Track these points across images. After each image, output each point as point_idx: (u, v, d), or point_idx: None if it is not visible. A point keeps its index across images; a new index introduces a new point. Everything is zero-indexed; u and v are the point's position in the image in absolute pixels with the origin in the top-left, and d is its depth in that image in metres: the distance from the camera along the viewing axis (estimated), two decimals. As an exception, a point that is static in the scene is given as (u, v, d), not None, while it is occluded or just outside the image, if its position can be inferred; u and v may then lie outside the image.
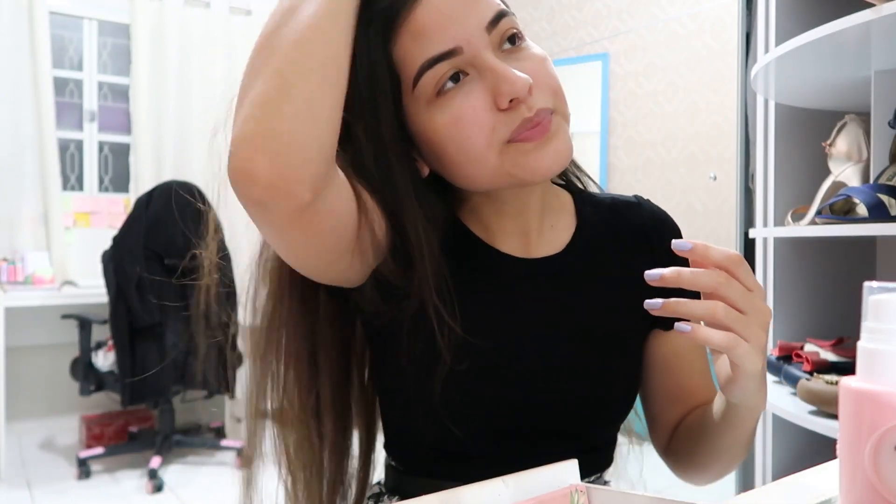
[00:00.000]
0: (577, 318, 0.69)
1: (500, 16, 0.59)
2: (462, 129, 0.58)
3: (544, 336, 0.68)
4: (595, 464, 0.72)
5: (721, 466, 0.69)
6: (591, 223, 0.73)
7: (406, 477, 0.71)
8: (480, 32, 0.58)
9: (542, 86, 0.59)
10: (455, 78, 0.58)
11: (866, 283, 0.35)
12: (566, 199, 0.75)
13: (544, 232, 0.71)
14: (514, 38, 0.60)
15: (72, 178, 3.44)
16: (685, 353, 0.74)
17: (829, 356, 1.32)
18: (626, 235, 0.74)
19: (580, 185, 0.79)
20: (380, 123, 0.59)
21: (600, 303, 0.71)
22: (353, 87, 0.57)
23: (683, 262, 0.72)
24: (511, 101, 0.57)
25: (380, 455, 0.77)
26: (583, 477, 0.49)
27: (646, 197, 0.78)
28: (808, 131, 1.53)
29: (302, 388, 0.69)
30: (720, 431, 0.64)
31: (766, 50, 1.46)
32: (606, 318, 0.70)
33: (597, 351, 0.69)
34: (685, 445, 0.72)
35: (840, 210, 1.25)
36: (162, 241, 2.66)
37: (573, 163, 0.77)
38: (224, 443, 2.96)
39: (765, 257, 1.53)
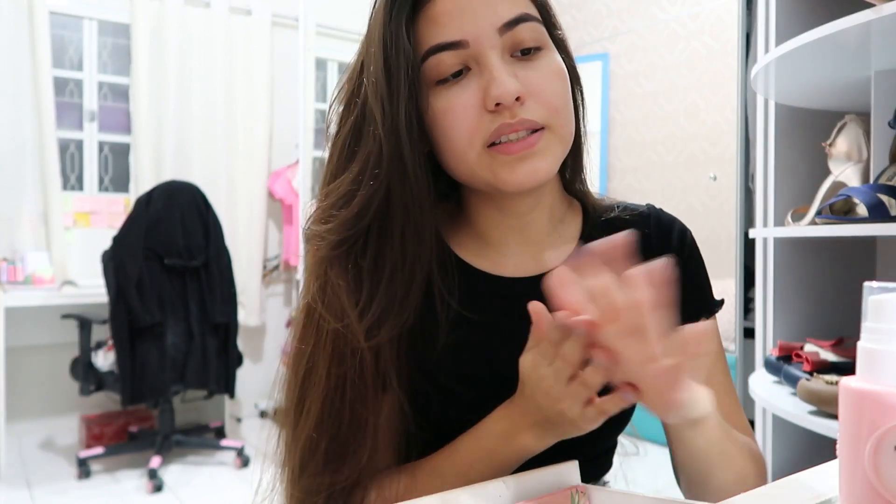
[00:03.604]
0: None
1: (520, 20, 0.59)
2: (449, 120, 0.60)
3: None
4: (595, 471, 0.72)
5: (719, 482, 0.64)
6: (594, 235, 0.72)
7: None
8: (492, 32, 0.59)
9: (538, 100, 0.59)
10: (459, 73, 0.60)
11: (866, 284, 0.35)
12: (577, 210, 0.74)
13: (555, 243, 0.71)
14: (530, 49, 0.60)
15: (72, 178, 3.44)
16: None
17: (829, 356, 1.32)
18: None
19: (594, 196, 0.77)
20: (396, 95, 0.59)
21: None
22: (374, 61, 0.59)
23: (681, 269, 0.72)
24: (497, 104, 0.58)
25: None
26: (583, 482, 0.49)
27: (653, 202, 0.77)
28: (808, 131, 1.53)
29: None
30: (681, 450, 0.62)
31: (766, 50, 1.46)
32: None
33: None
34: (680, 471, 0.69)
35: (840, 210, 1.25)
36: (162, 241, 2.66)
37: (581, 180, 0.75)
38: (224, 443, 2.96)
39: (765, 257, 1.53)
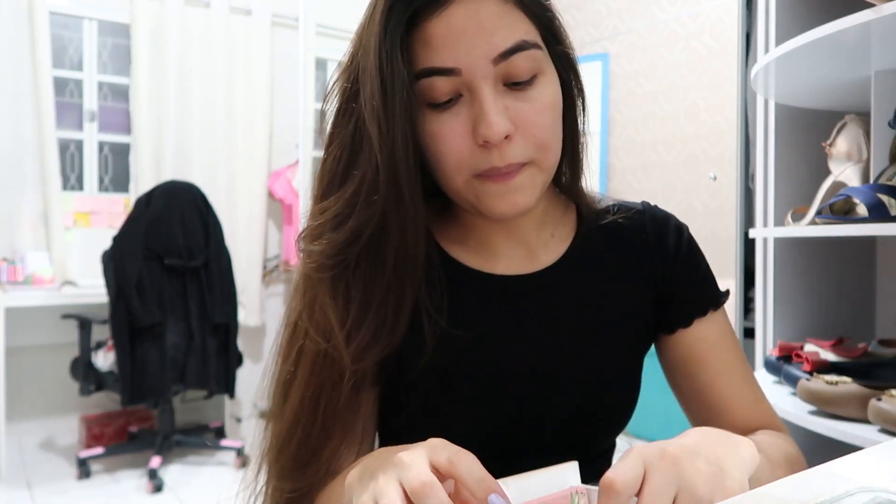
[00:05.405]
0: (570, 329, 0.69)
1: (515, 50, 0.58)
2: (439, 146, 0.60)
3: (537, 351, 0.68)
4: (595, 472, 0.72)
5: None
6: (590, 234, 0.73)
7: None
8: (485, 62, 0.57)
9: (526, 136, 0.59)
10: (450, 97, 0.59)
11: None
12: (570, 209, 0.74)
13: (544, 241, 0.71)
14: (521, 81, 0.59)
15: (72, 178, 3.44)
16: (702, 353, 0.72)
17: (829, 356, 1.32)
18: (626, 244, 0.73)
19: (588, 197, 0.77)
20: (391, 120, 0.58)
21: (594, 313, 0.70)
22: (370, 80, 0.58)
23: (681, 265, 0.72)
24: (485, 141, 0.58)
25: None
26: (583, 483, 0.49)
27: (653, 202, 0.77)
28: (808, 131, 1.53)
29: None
30: None
31: (766, 50, 1.46)
32: (601, 328, 0.70)
33: (592, 362, 0.69)
34: None
35: (840, 210, 1.25)
36: (162, 241, 2.66)
37: (577, 184, 0.74)
38: (224, 443, 2.96)
39: (765, 257, 1.53)
